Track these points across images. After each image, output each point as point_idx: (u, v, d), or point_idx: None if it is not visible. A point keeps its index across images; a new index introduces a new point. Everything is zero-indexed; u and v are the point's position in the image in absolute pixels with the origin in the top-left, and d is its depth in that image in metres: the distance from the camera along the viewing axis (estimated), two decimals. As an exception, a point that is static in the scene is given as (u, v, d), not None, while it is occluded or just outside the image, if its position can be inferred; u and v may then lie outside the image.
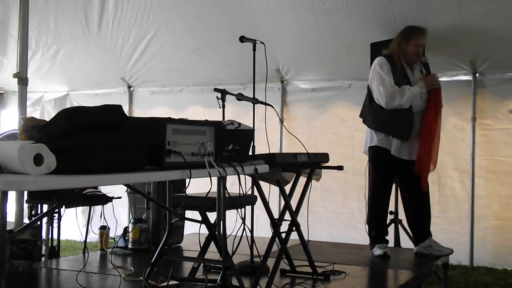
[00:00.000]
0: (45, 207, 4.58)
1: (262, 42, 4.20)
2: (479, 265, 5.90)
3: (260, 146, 3.93)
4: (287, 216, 3.75)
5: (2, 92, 8.29)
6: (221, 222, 3.06)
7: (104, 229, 4.87)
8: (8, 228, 2.54)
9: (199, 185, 3.01)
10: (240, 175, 2.98)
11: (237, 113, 5.15)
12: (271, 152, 3.72)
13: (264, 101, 4.02)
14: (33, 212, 4.57)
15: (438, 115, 4.70)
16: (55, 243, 4.94)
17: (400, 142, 4.60)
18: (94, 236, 5.10)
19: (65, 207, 4.63)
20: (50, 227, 4.93)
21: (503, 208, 5.93)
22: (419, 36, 4.69)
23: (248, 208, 3.76)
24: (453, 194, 6.05)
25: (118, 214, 4.68)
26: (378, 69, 4.62)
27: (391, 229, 5.25)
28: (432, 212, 4.84)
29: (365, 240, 5.03)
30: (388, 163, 4.64)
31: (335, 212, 6.53)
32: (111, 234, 4.92)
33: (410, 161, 4.65)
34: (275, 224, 3.64)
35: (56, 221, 4.84)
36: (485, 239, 5.97)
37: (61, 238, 5.00)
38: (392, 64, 4.62)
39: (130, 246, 4.78)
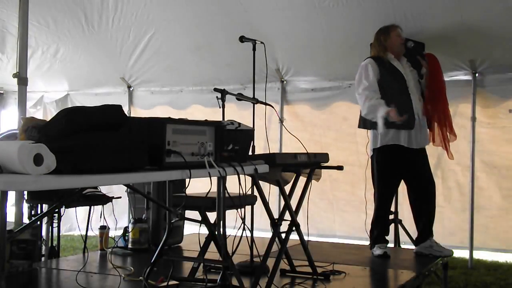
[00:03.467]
0: (45, 207, 4.58)
1: (262, 42, 4.19)
2: (480, 247, 5.98)
3: (260, 146, 3.92)
4: (287, 216, 3.76)
5: (2, 92, 8.28)
6: (221, 222, 3.06)
7: (104, 229, 4.87)
8: (8, 228, 2.54)
9: (200, 185, 3.01)
10: (240, 175, 2.98)
11: (237, 113, 5.14)
12: (271, 152, 3.72)
13: (264, 101, 4.02)
14: (33, 212, 4.56)
15: (444, 88, 4.98)
16: (55, 243, 4.94)
17: (408, 132, 4.62)
18: (94, 236, 5.09)
19: (65, 207, 4.63)
20: (50, 227, 4.93)
21: (505, 200, 5.96)
22: (395, 28, 4.85)
23: (248, 208, 3.76)
24: (457, 185, 6.09)
25: (118, 214, 4.68)
26: (360, 70, 4.72)
27: (391, 229, 5.25)
28: (436, 202, 4.85)
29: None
30: (396, 161, 4.65)
31: (345, 199, 6.55)
32: (111, 234, 4.92)
33: (419, 150, 4.70)
34: (275, 224, 3.64)
35: (56, 221, 4.83)
36: (488, 226, 6.01)
37: (63, 233, 4.98)
38: (381, 62, 4.71)
39: (130, 246, 4.78)
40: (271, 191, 3.86)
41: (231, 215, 3.19)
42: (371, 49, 4.98)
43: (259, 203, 3.72)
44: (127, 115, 4.94)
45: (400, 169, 4.73)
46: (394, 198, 5.28)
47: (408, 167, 4.73)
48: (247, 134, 3.23)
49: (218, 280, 3.29)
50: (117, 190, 5.06)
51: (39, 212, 4.57)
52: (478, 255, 6.11)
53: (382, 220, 4.77)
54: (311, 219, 3.98)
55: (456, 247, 5.51)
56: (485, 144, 6.00)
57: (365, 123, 4.80)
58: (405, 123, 4.57)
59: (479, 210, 5.97)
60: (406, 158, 4.67)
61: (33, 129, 2.66)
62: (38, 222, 4.17)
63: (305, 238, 3.94)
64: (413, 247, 4.87)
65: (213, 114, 5.28)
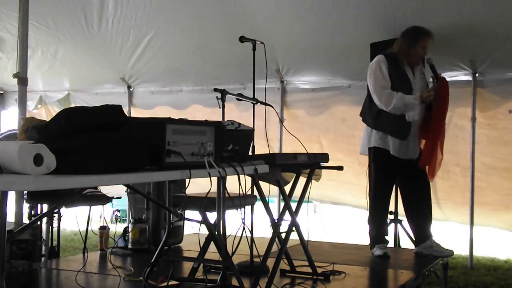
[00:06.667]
0: (45, 207, 4.58)
1: (262, 42, 4.19)
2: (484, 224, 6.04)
3: (260, 146, 3.92)
4: (287, 216, 3.76)
5: (2, 92, 8.28)
6: (221, 222, 3.06)
7: (104, 229, 4.87)
8: (8, 228, 2.54)
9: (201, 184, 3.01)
10: (240, 175, 2.98)
11: (237, 113, 5.15)
12: (271, 152, 3.72)
13: (264, 101, 4.02)
14: (33, 212, 4.56)
15: (446, 113, 4.78)
16: (55, 243, 4.94)
17: (398, 142, 4.60)
18: (94, 236, 5.09)
19: (65, 207, 4.63)
20: (50, 227, 4.93)
21: (506, 198, 6.00)
22: (427, 38, 4.65)
23: (248, 208, 3.76)
24: (457, 185, 6.10)
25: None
26: (375, 67, 4.62)
27: (391, 229, 5.25)
28: (438, 198, 4.83)
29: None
30: (389, 162, 4.64)
31: (351, 183, 6.54)
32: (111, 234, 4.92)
33: (410, 160, 4.66)
34: (275, 224, 3.64)
35: (56, 221, 4.83)
36: (488, 225, 6.02)
37: (66, 231, 4.97)
38: (393, 63, 4.62)
39: (130, 246, 4.78)
40: (271, 191, 3.86)
41: (231, 215, 3.19)
42: (395, 43, 4.73)
43: (259, 203, 3.72)
44: (127, 115, 4.93)
45: (394, 172, 4.72)
46: (394, 198, 5.29)
47: (400, 174, 4.73)
48: (247, 134, 3.23)
49: (218, 280, 3.30)
50: (117, 190, 5.05)
51: (39, 212, 4.57)
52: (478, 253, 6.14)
53: (377, 220, 4.74)
54: (324, 190, 3.97)
55: (457, 222, 5.56)
56: (484, 146, 6.00)
57: (367, 118, 4.75)
58: (398, 132, 4.55)
59: (479, 210, 5.98)
60: (399, 165, 4.65)
61: (33, 129, 2.67)
62: (38, 222, 4.17)
63: (305, 238, 3.94)
64: (413, 247, 4.86)
65: (213, 114, 5.29)
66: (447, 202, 6.12)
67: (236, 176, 2.97)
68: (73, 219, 4.57)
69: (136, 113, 7.55)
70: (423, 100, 4.56)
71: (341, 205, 7.21)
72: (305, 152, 3.73)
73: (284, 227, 3.72)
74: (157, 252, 3.37)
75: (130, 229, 4.82)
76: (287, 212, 3.77)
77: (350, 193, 6.67)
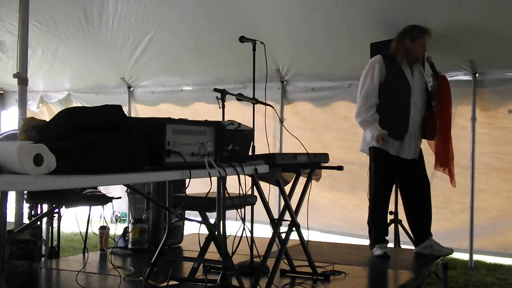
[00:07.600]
0: (45, 207, 4.58)
1: (262, 42, 4.19)
2: (479, 250, 5.99)
3: (260, 146, 3.92)
4: (287, 216, 3.76)
5: (2, 92, 8.29)
6: (221, 222, 3.06)
7: (104, 229, 4.87)
8: (8, 228, 2.54)
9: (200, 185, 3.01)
10: (240, 175, 2.98)
11: (237, 113, 5.14)
12: (271, 152, 3.72)
13: (264, 101, 4.01)
14: (33, 212, 4.56)
15: (450, 111, 4.91)
16: (55, 243, 4.94)
17: (397, 141, 4.61)
18: (94, 236, 5.10)
19: (65, 207, 4.63)
20: (50, 227, 4.93)
21: (504, 201, 5.97)
22: (425, 36, 4.68)
23: (248, 208, 3.76)
24: (456, 187, 6.07)
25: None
26: (368, 68, 4.65)
27: (391, 229, 5.25)
28: (436, 204, 4.84)
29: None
30: (388, 163, 4.65)
31: (345, 199, 6.56)
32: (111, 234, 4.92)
33: (410, 160, 4.66)
34: (275, 224, 3.64)
35: (56, 221, 4.83)
36: (487, 227, 6.00)
37: (66, 231, 4.96)
38: (391, 63, 4.63)
39: (130, 246, 4.78)
40: (271, 191, 3.85)
41: (231, 215, 3.19)
42: (393, 42, 4.74)
43: (259, 203, 3.72)
44: (127, 115, 4.93)
45: (393, 172, 4.71)
46: (394, 198, 5.29)
47: (400, 174, 4.72)
48: (247, 134, 3.23)
49: (218, 280, 3.30)
50: (117, 190, 5.05)
51: (39, 212, 4.56)
52: (478, 257, 6.11)
53: (377, 220, 4.75)
54: (313, 214, 3.99)
55: (455, 249, 5.54)
56: (484, 145, 5.99)
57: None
58: (394, 132, 4.56)
59: (479, 213, 5.96)
60: (399, 165, 4.65)
61: (33, 130, 2.67)
62: (38, 222, 4.17)
63: (306, 238, 3.94)
64: (413, 247, 4.86)
65: (213, 114, 5.28)
66: (444, 211, 6.06)
67: (236, 176, 2.97)
68: (73, 219, 4.57)
69: (139, 109, 7.56)
70: (376, 140, 4.56)
71: (332, 234, 6.75)
72: (305, 152, 3.73)
73: (284, 227, 3.72)
74: (157, 252, 3.38)
75: (130, 229, 4.82)
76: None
77: (343, 218, 6.60)
